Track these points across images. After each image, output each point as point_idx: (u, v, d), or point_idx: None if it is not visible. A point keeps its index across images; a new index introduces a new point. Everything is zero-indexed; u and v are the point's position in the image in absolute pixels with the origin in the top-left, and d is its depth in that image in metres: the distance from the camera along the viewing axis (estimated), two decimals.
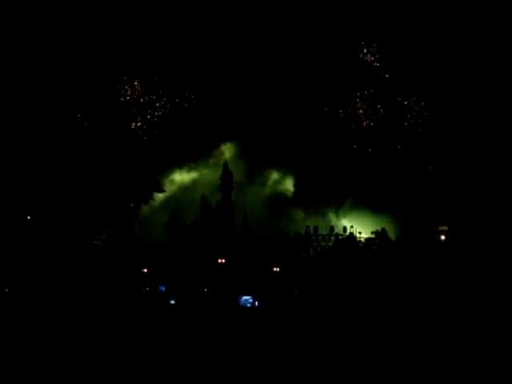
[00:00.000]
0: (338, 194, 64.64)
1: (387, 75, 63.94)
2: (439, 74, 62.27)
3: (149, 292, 60.28)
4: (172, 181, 66.96)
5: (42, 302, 56.04)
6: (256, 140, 65.17)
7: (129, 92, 65.20)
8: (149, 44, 64.58)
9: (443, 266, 59.38)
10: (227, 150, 65.94)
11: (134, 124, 65.19)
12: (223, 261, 62.11)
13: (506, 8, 61.11)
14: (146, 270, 61.16)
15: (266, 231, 63.93)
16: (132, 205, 65.13)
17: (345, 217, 65.12)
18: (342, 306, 57.29)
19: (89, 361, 40.12)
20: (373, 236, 63.39)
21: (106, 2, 63.41)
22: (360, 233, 64.07)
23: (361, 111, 63.70)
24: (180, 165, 66.18)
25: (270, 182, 66.28)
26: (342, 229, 64.49)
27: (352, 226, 64.39)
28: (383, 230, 63.25)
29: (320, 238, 64.31)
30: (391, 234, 63.45)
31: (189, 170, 66.48)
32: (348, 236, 63.99)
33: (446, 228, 61.47)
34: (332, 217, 65.42)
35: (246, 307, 60.05)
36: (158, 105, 65.52)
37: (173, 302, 60.38)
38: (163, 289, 60.76)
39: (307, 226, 64.50)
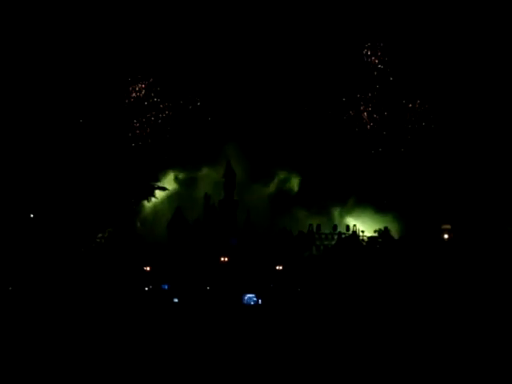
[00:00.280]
0: (341, 193, 64.60)
1: (391, 77, 63.97)
2: (443, 75, 62.31)
3: (152, 290, 60.18)
4: (175, 179, 66.98)
5: (44, 300, 55.93)
6: (259, 139, 65.22)
7: (133, 94, 65.29)
8: (153, 46, 64.64)
9: (446, 265, 59.28)
10: (230, 149, 65.88)
11: (137, 123, 65.20)
12: (226, 259, 62.07)
13: (508, 8, 61.14)
14: (148, 269, 61.07)
15: (269, 230, 63.92)
16: (133, 201, 65.15)
17: (348, 215, 65.14)
18: (344, 305, 57.18)
19: (92, 359, 40.09)
20: (376, 235, 63.34)
21: (112, 4, 63.45)
22: (363, 231, 64.06)
23: (365, 114, 63.77)
24: (183, 163, 66.13)
25: (273, 181, 66.33)
26: (344, 227, 64.49)
27: (355, 225, 64.38)
28: (386, 228, 63.22)
29: (323, 236, 64.29)
30: (394, 233, 63.42)
31: (192, 169, 66.44)
32: (351, 235, 63.96)
33: (449, 227, 61.42)
34: (335, 215, 65.44)
35: (249, 305, 59.96)
36: (161, 106, 65.60)
37: (176, 300, 60.31)
38: (166, 287, 60.70)
39: (310, 225, 64.45)
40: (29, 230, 60.17)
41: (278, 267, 61.67)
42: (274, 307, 58.88)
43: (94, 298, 57.08)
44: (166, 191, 66.54)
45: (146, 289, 60.33)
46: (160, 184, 66.55)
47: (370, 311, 55.55)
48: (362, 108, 63.86)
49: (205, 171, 66.62)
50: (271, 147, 65.04)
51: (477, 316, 52.39)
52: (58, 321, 52.21)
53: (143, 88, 65.32)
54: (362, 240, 63.70)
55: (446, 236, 61.24)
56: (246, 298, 60.33)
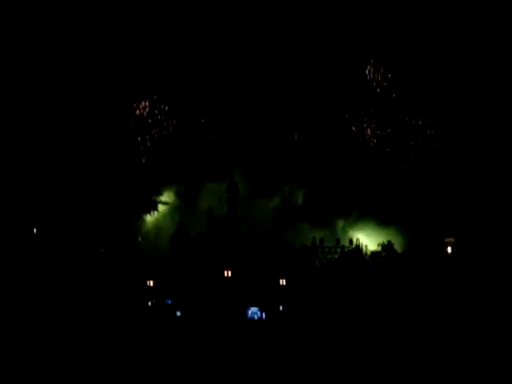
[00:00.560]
0: (345, 207, 64.59)
1: (394, 94, 64.21)
2: (445, 92, 62.55)
3: (155, 305, 60.02)
4: (177, 193, 66.96)
5: (47, 314, 55.77)
6: (263, 154, 65.40)
7: (137, 111, 65.47)
8: (157, 63, 64.89)
9: (450, 278, 59.22)
10: (234, 163, 66.00)
11: (140, 139, 65.33)
12: (229, 273, 61.93)
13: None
14: (151, 283, 60.89)
15: (272, 243, 63.81)
16: (135, 215, 65.17)
17: (351, 229, 65.05)
18: (348, 319, 57.13)
19: (94, 375, 40.05)
20: (379, 249, 63.26)
21: (118, 22, 63.70)
22: (366, 245, 64.01)
23: (368, 130, 64.02)
24: (186, 178, 66.14)
25: (276, 195, 66.29)
26: (348, 241, 64.41)
27: (358, 239, 64.33)
28: (389, 242, 63.14)
29: (326, 250, 64.14)
30: (397, 246, 63.31)
31: (195, 183, 66.42)
32: (354, 248, 63.87)
33: (452, 240, 61.39)
34: (338, 229, 65.37)
35: (253, 320, 59.85)
36: (165, 123, 65.77)
37: (179, 313, 60.14)
38: (169, 302, 60.52)
39: (313, 238, 64.36)
40: (32, 245, 60.16)
41: (281, 281, 61.52)
42: (278, 321, 58.84)
43: (97, 312, 56.97)
44: (169, 205, 66.47)
45: (150, 303, 60.11)
46: (162, 198, 66.53)
47: (374, 325, 55.53)
48: (365, 125, 64.03)
49: (208, 185, 66.58)
50: (275, 162, 65.16)
51: (480, 329, 52.41)
52: (61, 335, 52.14)
53: (147, 106, 65.43)
54: (366, 254, 63.59)
55: (449, 249, 61.19)
56: (249, 312, 60.19)
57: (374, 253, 63.31)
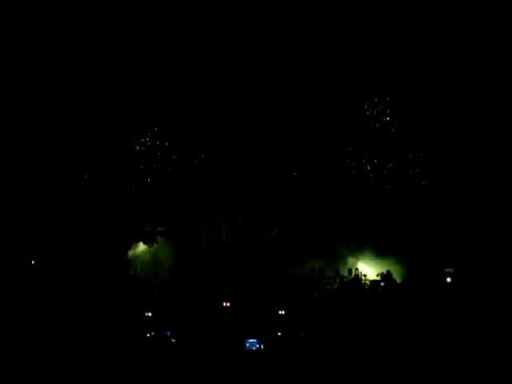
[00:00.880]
0: (344, 236, 64.56)
1: (393, 130, 64.54)
2: (445, 127, 62.89)
3: (154, 336, 59.87)
4: (176, 223, 66.96)
5: (44, 348, 55.60)
6: (262, 187, 65.71)
7: (137, 147, 65.76)
8: (158, 99, 65.33)
9: (449, 309, 59.13)
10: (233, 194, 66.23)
11: (140, 172, 65.60)
12: (228, 304, 61.82)
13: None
14: (150, 314, 60.76)
15: (272, 273, 63.75)
16: (131, 246, 65.34)
17: (350, 259, 64.97)
18: (347, 350, 56.98)
19: None
20: (378, 278, 63.18)
21: (119, 53, 64.18)
22: (365, 275, 63.91)
23: (368, 166, 64.34)
24: (185, 207, 66.26)
25: (275, 225, 66.32)
26: (347, 271, 64.30)
27: (357, 269, 64.23)
28: (388, 272, 63.07)
29: (325, 280, 64.07)
30: (396, 276, 63.23)
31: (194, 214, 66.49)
32: (353, 278, 63.76)
33: (451, 270, 61.33)
34: (337, 259, 65.27)
35: (251, 350, 59.65)
36: (165, 159, 66.08)
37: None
38: (168, 333, 60.37)
39: (312, 269, 64.29)
40: (30, 276, 60.15)
41: (280, 311, 61.39)
42: (277, 352, 58.64)
43: (94, 344, 56.76)
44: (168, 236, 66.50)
45: (148, 335, 59.96)
46: (161, 228, 66.52)
47: (374, 355, 55.38)
48: (364, 161, 64.26)
49: (207, 215, 66.59)
50: (274, 193, 65.39)
51: (480, 359, 52.28)
52: (59, 368, 52.01)
53: (147, 141, 65.69)
54: (365, 283, 63.48)
55: (448, 279, 61.11)
56: (247, 343, 59.98)
57: (373, 283, 63.19)
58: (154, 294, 62.60)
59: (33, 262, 60.70)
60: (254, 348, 59.78)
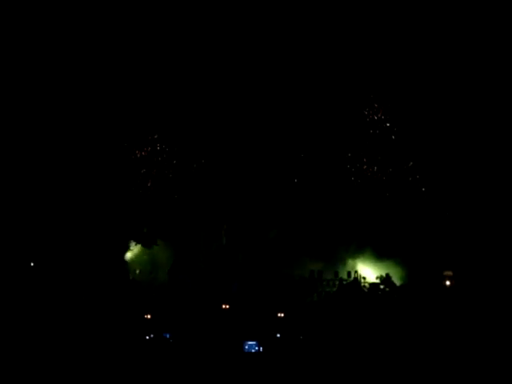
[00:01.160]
0: (344, 239, 64.61)
1: (393, 136, 64.71)
2: (445, 135, 63.07)
3: (153, 339, 59.84)
4: (176, 227, 66.98)
5: (43, 351, 55.54)
6: (262, 189, 65.78)
7: (138, 154, 65.87)
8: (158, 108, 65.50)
9: (448, 312, 59.15)
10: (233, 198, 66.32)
11: (140, 177, 65.73)
12: (227, 306, 61.81)
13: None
14: (149, 316, 60.72)
15: (271, 275, 63.77)
16: (132, 248, 65.41)
17: (349, 261, 64.98)
18: (346, 353, 56.97)
19: None
20: (377, 281, 63.19)
21: (122, 60, 64.33)
22: (364, 278, 63.92)
23: (368, 172, 64.47)
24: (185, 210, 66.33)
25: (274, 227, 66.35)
26: (346, 273, 64.30)
27: (356, 271, 64.24)
28: (387, 275, 63.09)
29: (324, 283, 64.09)
30: (396, 279, 63.25)
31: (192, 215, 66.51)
32: (352, 281, 63.76)
33: (450, 273, 61.36)
34: (337, 261, 65.28)
35: (250, 353, 59.63)
36: (166, 164, 66.19)
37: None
38: (168, 336, 60.31)
39: (312, 271, 64.29)
40: (30, 278, 60.19)
41: (279, 314, 61.37)
42: (276, 354, 58.63)
43: (93, 346, 56.72)
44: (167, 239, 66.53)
45: (147, 337, 59.92)
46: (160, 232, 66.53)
47: (373, 358, 55.39)
48: (364, 166, 64.45)
49: (206, 217, 66.61)
50: (274, 194, 65.50)
51: (480, 362, 52.34)
52: (59, 369, 52.01)
53: (148, 147, 65.84)
54: (364, 286, 63.49)
55: (447, 283, 61.14)
56: (246, 345, 59.94)
57: (372, 285, 63.21)
58: (153, 297, 62.54)
59: (32, 264, 60.70)
60: (253, 350, 59.75)
